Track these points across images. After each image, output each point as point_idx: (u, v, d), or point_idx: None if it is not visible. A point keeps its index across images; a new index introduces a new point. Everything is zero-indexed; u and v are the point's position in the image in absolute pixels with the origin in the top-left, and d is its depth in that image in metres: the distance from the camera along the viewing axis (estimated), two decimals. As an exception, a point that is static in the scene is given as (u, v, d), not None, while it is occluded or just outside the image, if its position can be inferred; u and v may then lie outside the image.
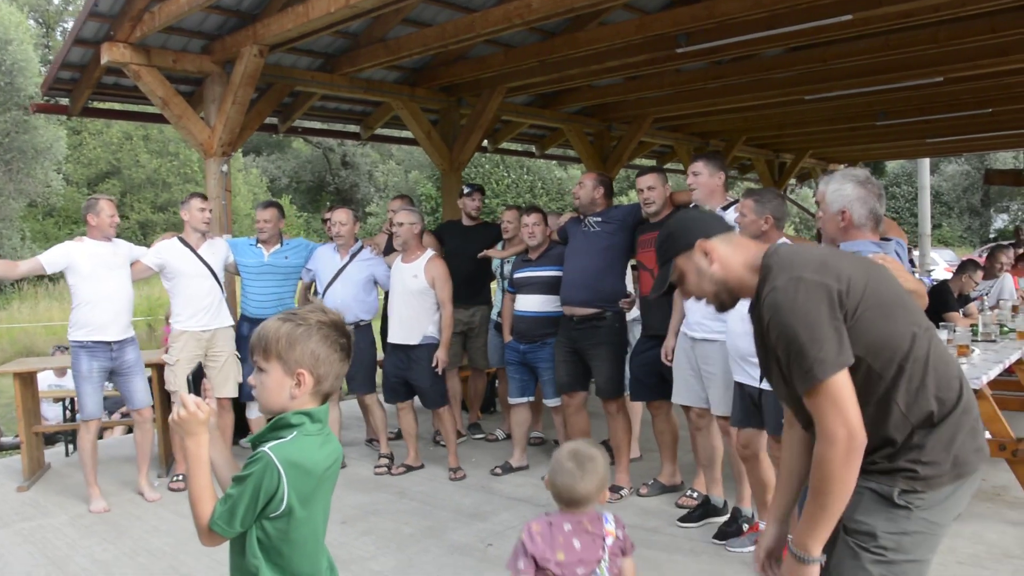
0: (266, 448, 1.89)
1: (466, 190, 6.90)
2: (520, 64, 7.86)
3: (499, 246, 6.62)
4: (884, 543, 2.03)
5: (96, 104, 8.66)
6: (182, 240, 5.75)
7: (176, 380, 5.60)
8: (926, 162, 18.44)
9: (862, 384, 2.02)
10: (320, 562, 2.03)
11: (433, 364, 5.73)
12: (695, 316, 4.48)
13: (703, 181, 4.55)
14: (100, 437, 7.88)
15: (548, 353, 5.53)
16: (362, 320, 6.03)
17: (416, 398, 6.01)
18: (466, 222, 6.88)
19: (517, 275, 5.76)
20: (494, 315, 6.62)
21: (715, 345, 4.34)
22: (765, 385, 3.84)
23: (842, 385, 1.94)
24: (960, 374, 2.13)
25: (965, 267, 7.92)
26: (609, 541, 2.57)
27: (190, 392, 2.00)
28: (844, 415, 1.93)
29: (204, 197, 5.90)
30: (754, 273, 2.16)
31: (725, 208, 4.47)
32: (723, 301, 2.27)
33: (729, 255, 2.22)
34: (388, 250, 6.35)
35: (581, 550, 2.54)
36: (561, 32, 7.64)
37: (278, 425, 1.95)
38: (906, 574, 2.05)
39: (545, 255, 5.64)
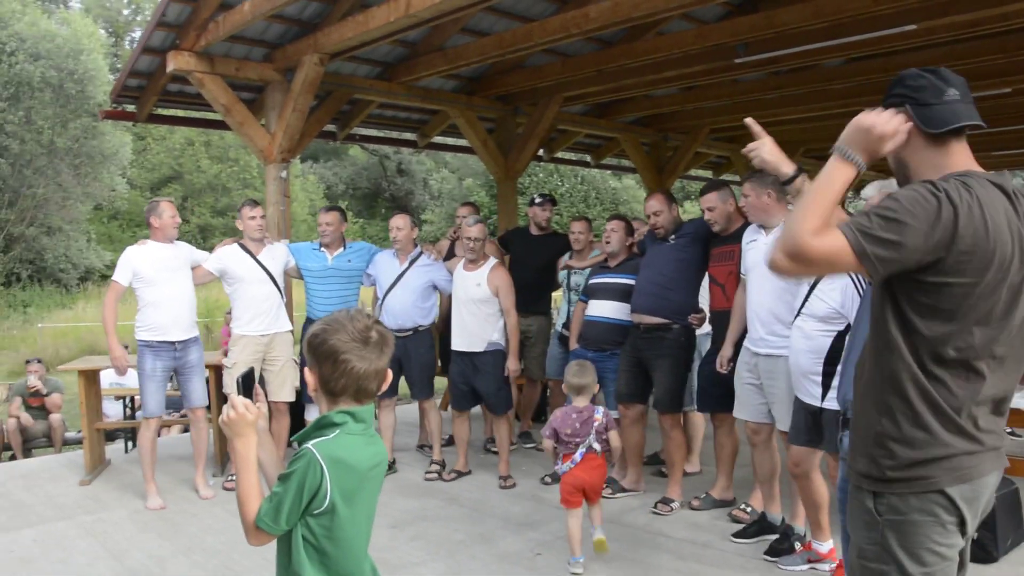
0: (309, 445, 1.94)
1: (538, 199, 6.89)
2: (577, 73, 7.87)
3: (567, 256, 6.60)
4: (863, 553, 2.06)
5: (161, 111, 8.89)
6: (242, 246, 5.87)
7: (231, 383, 5.70)
8: (991, 176, 17.99)
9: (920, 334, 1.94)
10: (364, 566, 2.05)
11: (504, 374, 5.77)
12: (759, 332, 4.38)
13: (752, 203, 4.50)
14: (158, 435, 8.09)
15: (616, 364, 5.42)
16: (421, 326, 6.05)
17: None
18: (534, 231, 6.87)
19: (592, 281, 5.71)
20: (558, 326, 6.56)
21: (779, 361, 4.25)
22: (826, 404, 3.77)
23: (848, 253, 1.84)
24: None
25: None
26: (596, 424, 4.24)
27: (240, 394, 2.05)
28: (820, 247, 1.85)
29: (254, 204, 5.97)
30: (935, 175, 1.97)
31: None
32: (897, 180, 2.13)
33: (923, 145, 2.03)
34: (449, 255, 6.39)
35: (580, 428, 4.24)
36: (618, 42, 7.64)
37: (322, 424, 2.00)
38: None
39: (624, 264, 5.58)
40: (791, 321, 4.04)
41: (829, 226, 1.88)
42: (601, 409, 4.30)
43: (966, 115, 2.00)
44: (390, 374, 2.09)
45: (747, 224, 4.84)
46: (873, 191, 3.66)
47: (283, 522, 1.91)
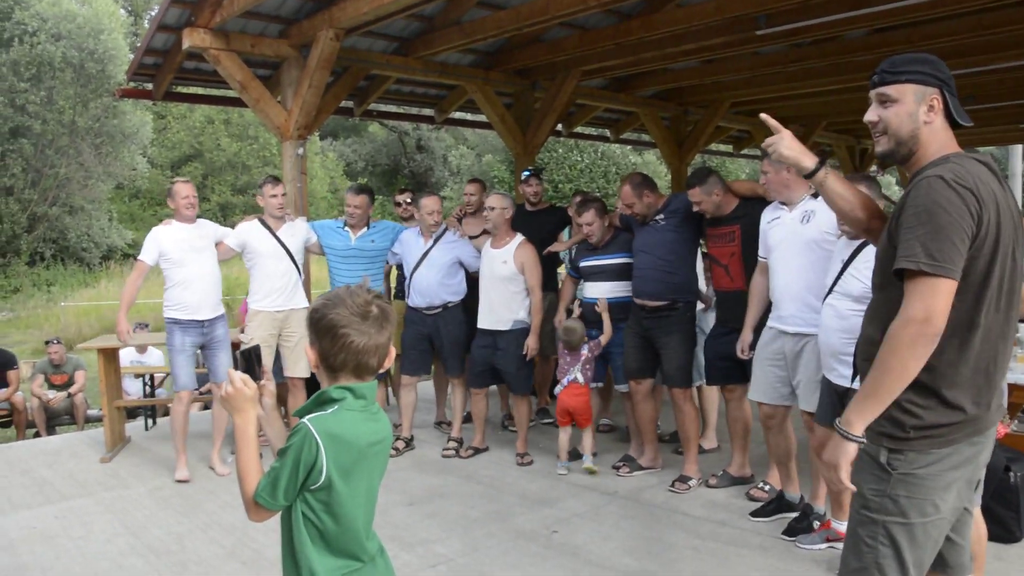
0: (305, 420, 1.93)
1: (523, 175, 6.83)
2: (595, 47, 7.76)
3: (566, 231, 6.54)
4: (868, 504, 2.16)
5: (178, 88, 8.87)
6: (262, 222, 5.91)
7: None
8: (1019, 148, 17.69)
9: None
10: (367, 544, 2.03)
11: (523, 351, 5.73)
12: (789, 310, 4.26)
13: (771, 179, 4.41)
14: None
15: (619, 339, 5.45)
16: (450, 303, 6.04)
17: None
18: (528, 207, 6.81)
19: (583, 263, 5.68)
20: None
21: (810, 340, 4.14)
22: (855, 385, 3.66)
23: (945, 287, 2.01)
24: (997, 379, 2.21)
25: None
26: (581, 359, 5.39)
27: (238, 369, 2.04)
28: (932, 304, 2.00)
29: (276, 181, 6.00)
30: (933, 155, 2.19)
31: (815, 196, 4.24)
32: (895, 151, 2.25)
33: (941, 127, 2.22)
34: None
35: (570, 361, 5.44)
36: (637, 14, 7.51)
37: (320, 399, 1.99)
38: (891, 534, 2.13)
39: (610, 243, 5.56)
40: (823, 298, 3.94)
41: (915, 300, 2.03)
42: (587, 345, 5.42)
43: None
44: (393, 351, 2.06)
45: (745, 202, 4.80)
46: None
47: (280, 497, 1.91)
